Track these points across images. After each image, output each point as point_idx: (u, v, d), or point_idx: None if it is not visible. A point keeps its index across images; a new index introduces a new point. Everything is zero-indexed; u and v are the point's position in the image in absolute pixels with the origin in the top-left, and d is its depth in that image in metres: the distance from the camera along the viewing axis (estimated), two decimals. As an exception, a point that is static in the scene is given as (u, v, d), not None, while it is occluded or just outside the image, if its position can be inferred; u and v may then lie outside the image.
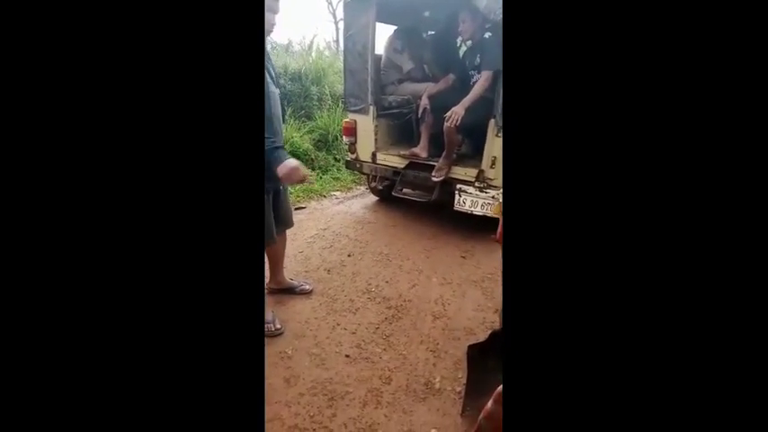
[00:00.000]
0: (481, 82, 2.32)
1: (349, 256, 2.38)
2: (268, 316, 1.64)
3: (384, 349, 1.60)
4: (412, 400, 1.36)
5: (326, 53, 7.10)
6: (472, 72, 2.51)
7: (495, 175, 2.42)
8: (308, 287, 1.95)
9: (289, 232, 1.87)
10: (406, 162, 2.76)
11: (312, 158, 3.99)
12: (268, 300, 1.83)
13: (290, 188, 1.99)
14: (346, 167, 3.23)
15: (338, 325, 1.73)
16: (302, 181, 1.49)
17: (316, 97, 4.71)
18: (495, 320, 1.78)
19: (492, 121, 2.35)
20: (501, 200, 2.22)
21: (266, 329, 1.59)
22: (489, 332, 1.38)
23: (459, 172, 2.56)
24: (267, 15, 1.26)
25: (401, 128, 3.13)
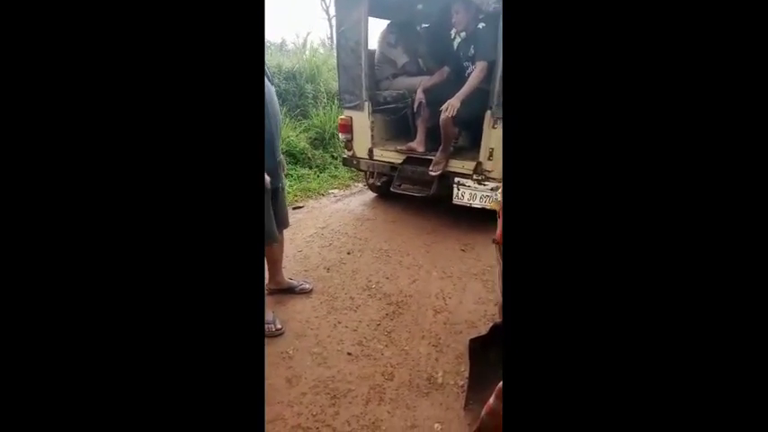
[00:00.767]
0: (476, 73, 2.31)
1: (348, 253, 2.37)
2: (268, 316, 1.63)
3: (386, 345, 1.60)
4: (415, 396, 1.35)
5: (321, 50, 7.07)
6: (467, 63, 2.49)
7: (493, 167, 2.41)
8: (307, 286, 1.95)
9: (287, 232, 1.86)
10: (404, 157, 2.75)
11: (309, 157, 3.98)
12: (268, 300, 1.82)
13: (287, 188, 1.98)
14: (343, 165, 3.21)
15: (339, 323, 1.73)
16: None
17: (311, 95, 4.68)
18: (495, 313, 1.77)
19: (488, 112, 2.34)
20: (500, 197, 2.21)
21: (267, 330, 1.59)
22: (491, 325, 1.37)
23: (457, 165, 2.55)
24: None
25: (397, 123, 3.11)
